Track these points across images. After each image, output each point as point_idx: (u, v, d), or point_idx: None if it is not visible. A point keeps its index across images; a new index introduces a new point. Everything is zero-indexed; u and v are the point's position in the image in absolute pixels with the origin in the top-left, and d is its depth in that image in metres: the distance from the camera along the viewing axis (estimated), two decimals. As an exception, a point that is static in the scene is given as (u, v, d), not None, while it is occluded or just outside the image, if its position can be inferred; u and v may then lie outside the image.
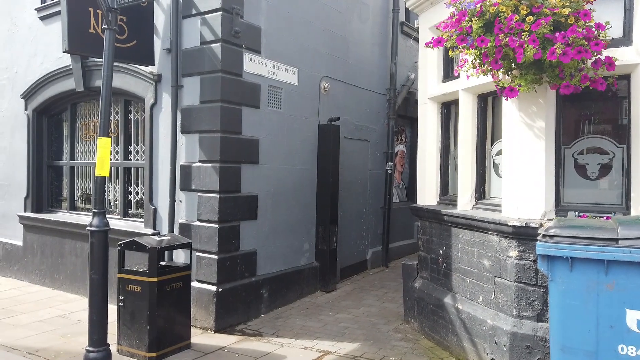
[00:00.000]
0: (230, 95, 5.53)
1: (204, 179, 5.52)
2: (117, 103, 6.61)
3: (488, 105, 4.93)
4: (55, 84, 7.18)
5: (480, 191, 4.91)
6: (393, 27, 8.84)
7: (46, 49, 7.29)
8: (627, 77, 3.90)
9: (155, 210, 5.98)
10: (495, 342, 4.17)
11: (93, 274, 4.24)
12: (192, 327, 5.08)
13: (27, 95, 7.60)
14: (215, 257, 5.44)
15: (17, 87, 7.78)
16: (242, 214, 5.76)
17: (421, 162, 5.78)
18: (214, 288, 5.43)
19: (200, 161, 5.57)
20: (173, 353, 4.72)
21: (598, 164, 4.07)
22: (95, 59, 6.37)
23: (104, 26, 4.42)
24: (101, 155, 4.31)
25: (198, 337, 5.21)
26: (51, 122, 7.73)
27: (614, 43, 3.78)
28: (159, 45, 5.88)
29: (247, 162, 5.82)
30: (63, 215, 7.37)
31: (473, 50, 3.77)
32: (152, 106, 5.98)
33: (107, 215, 4.44)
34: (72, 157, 7.47)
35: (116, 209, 6.76)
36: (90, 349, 4.20)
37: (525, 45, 3.38)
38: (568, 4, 3.41)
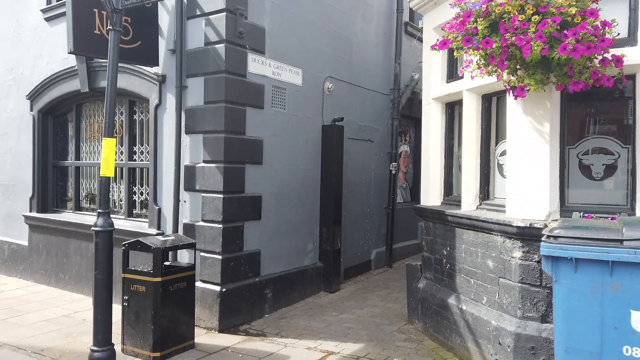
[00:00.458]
0: (234, 95, 5.54)
1: (208, 180, 5.53)
2: (122, 104, 6.64)
3: (492, 106, 4.91)
4: (61, 85, 7.22)
5: (485, 192, 4.90)
6: (397, 28, 8.83)
7: (51, 50, 7.33)
8: (632, 77, 3.89)
9: (159, 210, 6.00)
10: (500, 343, 4.16)
11: (98, 274, 4.26)
12: (196, 327, 5.09)
13: (33, 96, 7.64)
14: (219, 257, 5.46)
15: (23, 87, 7.83)
16: (246, 215, 5.77)
17: (425, 162, 5.78)
18: (217, 288, 5.44)
19: (204, 161, 5.59)
20: (177, 353, 4.73)
21: (603, 165, 4.05)
22: (100, 60, 6.40)
23: (108, 27, 4.44)
24: (106, 155, 4.33)
25: (202, 337, 5.23)
26: (56, 122, 7.77)
27: (620, 43, 3.77)
28: (163, 46, 5.90)
29: (251, 162, 5.83)
30: (68, 216, 7.41)
31: (478, 51, 3.76)
32: (157, 107, 6.00)
33: (111, 216, 4.46)
34: (77, 157, 7.51)
35: (121, 209, 6.79)
36: (95, 348, 4.22)
37: (532, 42, 3.37)
38: (574, 3, 3.40)
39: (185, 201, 5.76)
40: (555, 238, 3.04)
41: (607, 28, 3.45)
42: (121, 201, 6.80)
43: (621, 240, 2.84)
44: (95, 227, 4.28)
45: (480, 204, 4.87)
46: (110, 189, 6.59)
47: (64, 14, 6.31)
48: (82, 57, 6.49)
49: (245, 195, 5.75)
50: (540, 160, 4.05)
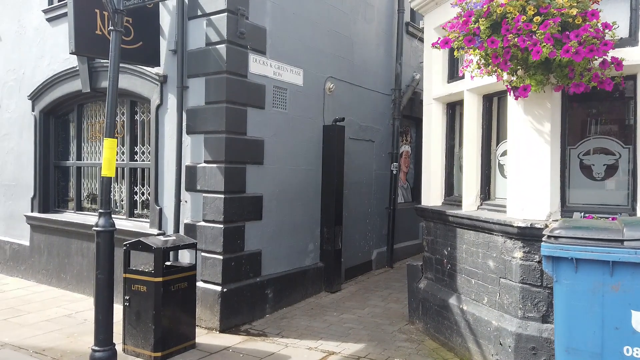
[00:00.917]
0: (235, 96, 5.55)
1: (209, 180, 5.54)
2: (123, 104, 6.65)
3: (493, 106, 4.91)
4: (62, 85, 7.23)
5: (485, 192, 4.90)
6: (398, 28, 8.84)
7: (53, 51, 7.34)
8: (633, 78, 3.88)
9: (160, 210, 6.00)
10: (500, 343, 4.16)
11: (99, 274, 4.27)
12: (197, 327, 5.10)
13: (35, 96, 7.66)
14: (220, 257, 5.46)
15: (25, 88, 7.85)
16: (247, 215, 5.78)
17: (426, 162, 5.78)
18: (218, 288, 5.45)
19: (205, 162, 5.60)
20: (178, 353, 4.73)
21: (604, 165, 4.05)
22: (102, 60, 6.41)
23: (110, 28, 4.45)
24: (107, 155, 4.34)
25: (203, 337, 5.23)
26: (58, 122, 7.79)
27: (621, 43, 3.76)
28: (164, 46, 5.91)
29: (252, 162, 5.84)
30: (69, 216, 7.42)
31: (481, 51, 3.76)
32: (158, 107, 6.01)
33: (113, 216, 4.46)
34: (79, 157, 7.52)
35: (122, 209, 6.80)
36: (96, 348, 4.22)
37: (540, 44, 3.37)
38: (575, 4, 3.40)
39: (186, 201, 5.77)
40: (556, 238, 3.04)
41: (607, 30, 3.45)
42: (122, 201, 6.81)
43: (622, 241, 2.84)
44: (97, 227, 4.29)
45: (481, 204, 4.87)
46: (112, 189, 6.61)
47: (65, 14, 6.32)
48: (84, 57, 6.50)
49: (246, 196, 5.76)
50: (541, 160, 4.05)
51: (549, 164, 4.03)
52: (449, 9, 4.69)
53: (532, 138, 4.10)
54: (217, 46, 5.46)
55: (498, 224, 4.22)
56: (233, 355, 4.78)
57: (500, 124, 4.85)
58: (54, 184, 7.80)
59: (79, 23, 5.29)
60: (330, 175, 7.03)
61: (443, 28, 4.30)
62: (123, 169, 6.68)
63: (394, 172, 8.75)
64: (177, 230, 5.76)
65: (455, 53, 4.09)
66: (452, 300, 4.90)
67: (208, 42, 5.54)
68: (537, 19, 3.41)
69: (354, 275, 7.94)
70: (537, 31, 3.39)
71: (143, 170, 6.53)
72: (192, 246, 5.11)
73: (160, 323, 4.56)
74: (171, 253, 5.35)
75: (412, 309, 5.77)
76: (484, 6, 3.64)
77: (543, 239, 3.14)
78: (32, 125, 7.76)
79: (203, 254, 5.56)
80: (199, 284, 5.47)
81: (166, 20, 5.91)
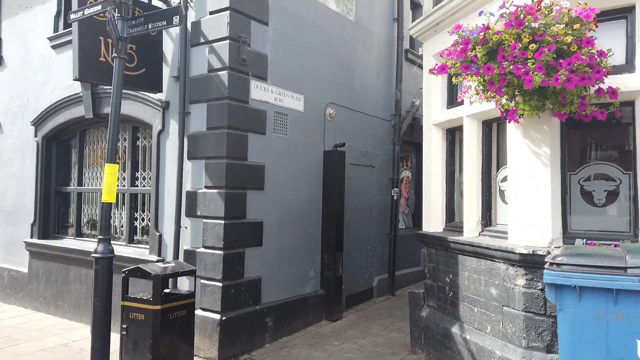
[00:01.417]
0: (236, 121, 5.59)
1: (210, 205, 5.52)
2: (125, 130, 6.70)
3: (493, 132, 4.93)
4: (65, 111, 7.30)
5: (487, 218, 4.87)
6: (398, 55, 8.96)
7: (57, 77, 7.44)
8: (631, 104, 3.90)
9: (160, 236, 5.97)
10: (505, 374, 4.06)
11: (96, 302, 4.22)
12: (195, 357, 5.00)
13: (38, 122, 7.73)
14: (220, 284, 5.40)
15: (28, 114, 7.92)
16: (247, 241, 5.74)
17: (427, 188, 5.77)
18: (217, 316, 5.36)
19: (206, 187, 5.59)
20: (175, 383, 4.63)
21: (605, 191, 4.03)
22: (105, 87, 6.49)
23: (114, 55, 4.52)
24: (108, 181, 4.35)
25: (201, 366, 5.13)
26: (60, 148, 7.83)
27: (617, 70, 3.80)
28: (167, 72, 5.98)
29: (252, 188, 5.83)
30: (69, 242, 7.38)
31: (477, 77, 3.80)
32: (160, 133, 6.05)
33: (112, 242, 4.44)
34: (80, 183, 7.53)
35: (122, 235, 6.77)
36: (92, 378, 4.14)
37: (532, 73, 3.40)
38: (570, 32, 3.44)
39: (186, 227, 5.74)
40: (558, 265, 3.00)
41: (602, 58, 3.48)
42: (122, 227, 6.78)
43: (625, 268, 2.80)
44: (96, 253, 4.26)
45: (483, 230, 4.83)
46: (112, 215, 6.59)
47: (70, 42, 6.42)
48: (87, 83, 6.59)
49: (246, 221, 5.73)
50: (542, 186, 4.04)
51: (549, 190, 4.01)
52: (446, 36, 4.76)
53: (531, 164, 4.10)
54: (219, 73, 5.53)
55: (500, 251, 4.18)
56: (231, 386, 4.67)
57: (500, 149, 4.86)
58: (54, 209, 7.79)
59: (83, 50, 5.38)
60: (331, 201, 7.02)
61: (441, 55, 4.35)
62: (124, 194, 6.67)
63: (395, 197, 8.73)
64: (176, 256, 5.71)
65: (453, 79, 4.13)
66: (455, 329, 4.81)
67: (210, 68, 5.61)
68: (533, 46, 3.44)
69: (355, 303, 7.83)
70: (531, 59, 3.43)
71: (143, 195, 6.53)
72: (192, 273, 5.06)
73: (158, 352, 4.47)
74: (170, 280, 5.29)
75: (414, 338, 5.66)
76: (481, 34, 3.70)
77: (545, 266, 3.10)
78: (34, 151, 7.80)
79: (202, 280, 5.50)
80: (198, 311, 5.39)
81: (169, 47, 6.00)
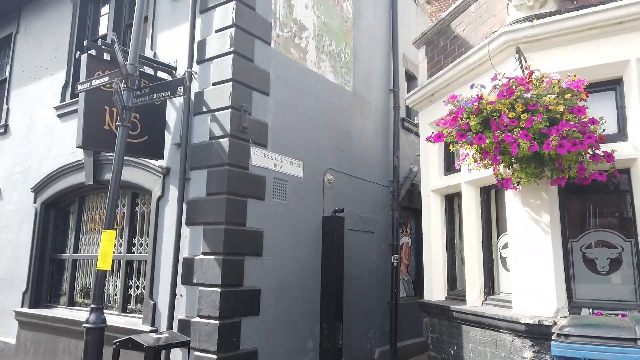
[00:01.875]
0: (236, 187, 5.62)
1: (207, 272, 5.42)
2: (125, 195, 6.72)
3: (491, 198, 4.95)
4: (66, 178, 7.36)
5: (489, 286, 4.77)
6: (394, 123, 9.19)
7: (61, 145, 7.57)
8: (627, 171, 3.95)
9: (155, 305, 5.81)
10: None
11: (84, 375, 4.03)
12: None
13: (38, 189, 7.76)
14: (215, 356, 5.17)
15: (29, 180, 7.98)
16: (244, 309, 5.57)
17: (427, 255, 5.70)
18: (211, 391, 5.09)
19: (203, 253, 5.52)
20: None
21: (607, 259, 3.98)
22: (107, 154, 6.58)
23: (118, 123, 4.62)
24: (104, 248, 4.30)
25: None
26: (58, 214, 7.81)
27: (611, 138, 3.88)
28: (169, 140, 6.10)
29: (250, 254, 5.75)
30: (60, 311, 7.16)
31: (472, 146, 3.87)
32: (159, 199, 6.06)
33: (105, 311, 4.32)
34: (76, 250, 7.44)
35: (115, 303, 6.58)
36: None
37: (519, 140, 3.48)
38: (562, 102, 3.56)
39: (181, 295, 5.60)
40: (566, 337, 2.90)
41: (595, 125, 3.58)
42: (116, 295, 6.61)
43: (635, 340, 2.70)
44: (87, 323, 4.13)
45: (486, 299, 4.72)
46: (106, 282, 6.45)
47: (76, 111, 6.60)
48: (90, 151, 6.69)
49: (243, 289, 5.60)
50: (543, 254, 3.99)
51: (551, 258, 3.96)
52: (442, 106, 4.91)
53: (532, 231, 4.07)
54: (220, 140, 5.64)
55: (504, 321, 4.05)
56: None
57: (500, 215, 4.86)
58: (47, 277, 7.63)
59: (88, 118, 5.50)
60: (330, 267, 6.89)
61: (437, 124, 4.46)
62: (119, 261, 6.57)
63: (395, 264, 8.59)
64: (170, 326, 5.52)
65: (450, 147, 4.21)
66: (461, 405, 4.57)
67: (212, 136, 5.73)
68: (525, 115, 3.54)
69: (355, 375, 7.48)
70: (517, 127, 3.52)
71: (139, 262, 6.42)
72: (185, 344, 4.86)
73: None
74: (163, 352, 5.07)
75: (419, 415, 5.35)
76: (474, 104, 3.81)
77: (553, 337, 2.99)
78: (32, 217, 7.78)
79: (196, 352, 5.27)
80: (191, 385, 5.13)
81: (172, 115, 6.16)
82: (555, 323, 3.54)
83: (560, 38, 4.07)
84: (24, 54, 8.81)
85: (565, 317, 3.65)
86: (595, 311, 3.70)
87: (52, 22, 8.34)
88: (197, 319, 5.38)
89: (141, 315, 6.04)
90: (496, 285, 4.77)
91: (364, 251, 8.07)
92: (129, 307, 6.43)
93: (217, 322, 5.23)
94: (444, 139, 4.09)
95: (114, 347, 4.54)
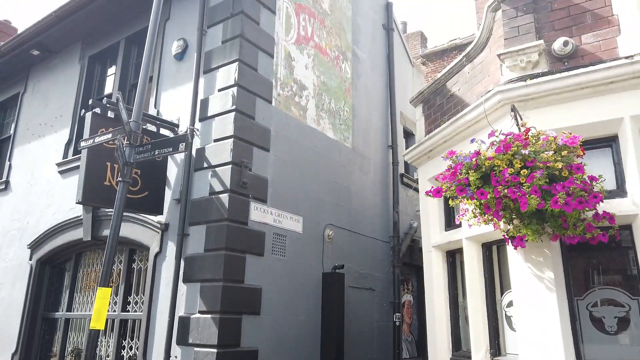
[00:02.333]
0: (235, 243, 5.56)
1: (203, 332, 5.25)
2: (122, 252, 6.63)
3: (493, 254, 4.88)
4: (64, 234, 7.29)
5: (495, 346, 4.60)
6: (394, 179, 9.25)
7: (61, 201, 7.57)
8: (628, 227, 3.91)
9: (148, 366, 5.58)
10: None
11: None
12: None
13: (35, 245, 7.67)
14: (209, 422, 4.91)
15: (27, 236, 7.91)
16: (241, 372, 5.35)
17: (430, 313, 5.54)
18: None
19: (199, 312, 5.37)
20: None
21: (615, 317, 3.86)
22: (106, 209, 6.56)
23: (118, 179, 4.64)
24: (98, 306, 4.19)
25: None
26: (53, 272, 7.68)
27: (610, 195, 3.88)
28: (169, 195, 6.10)
29: (248, 312, 5.59)
30: (49, 373, 6.88)
31: (473, 200, 3.86)
32: (157, 255, 5.98)
33: (95, 374, 4.13)
34: (69, 308, 7.24)
35: (107, 365, 6.33)
36: None
37: (528, 196, 3.47)
38: (560, 158, 3.59)
39: (176, 357, 5.39)
40: (578, 401, 2.76)
41: (594, 182, 3.59)
42: (108, 357, 6.36)
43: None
44: (76, 387, 3.94)
45: (492, 360, 4.54)
46: (99, 343, 6.23)
47: (77, 167, 6.66)
48: (89, 207, 6.67)
49: (240, 350, 5.40)
50: (549, 313, 3.88)
51: (557, 317, 3.84)
52: (440, 161, 4.96)
53: (536, 289, 3.98)
54: (220, 195, 5.64)
55: (513, 384, 3.88)
56: None
57: (503, 272, 4.77)
58: (38, 337, 7.38)
59: (89, 174, 5.53)
60: (330, 327, 6.68)
61: (436, 179, 4.48)
62: (113, 320, 6.37)
63: (397, 323, 8.35)
64: (163, 390, 5.28)
65: (450, 202, 4.20)
66: None
67: (212, 191, 5.74)
68: (524, 171, 3.56)
69: None
70: (524, 183, 3.52)
71: (134, 321, 6.23)
72: (178, 409, 4.63)
73: None
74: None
75: None
76: (473, 159, 3.84)
77: (564, 402, 2.84)
78: (27, 274, 7.64)
79: (189, 418, 5.02)
80: None
81: (173, 171, 6.20)
82: (566, 386, 3.38)
83: (554, 97, 4.17)
84: (29, 112, 9.01)
85: (575, 379, 3.50)
86: (607, 373, 3.55)
87: (60, 82, 8.59)
88: (192, 382, 5.15)
89: (133, 378, 5.79)
90: (502, 345, 4.61)
91: (365, 309, 7.87)
92: (120, 369, 6.18)
93: (212, 385, 5.01)
94: (443, 193, 4.09)
95: (103, 413, 4.33)
